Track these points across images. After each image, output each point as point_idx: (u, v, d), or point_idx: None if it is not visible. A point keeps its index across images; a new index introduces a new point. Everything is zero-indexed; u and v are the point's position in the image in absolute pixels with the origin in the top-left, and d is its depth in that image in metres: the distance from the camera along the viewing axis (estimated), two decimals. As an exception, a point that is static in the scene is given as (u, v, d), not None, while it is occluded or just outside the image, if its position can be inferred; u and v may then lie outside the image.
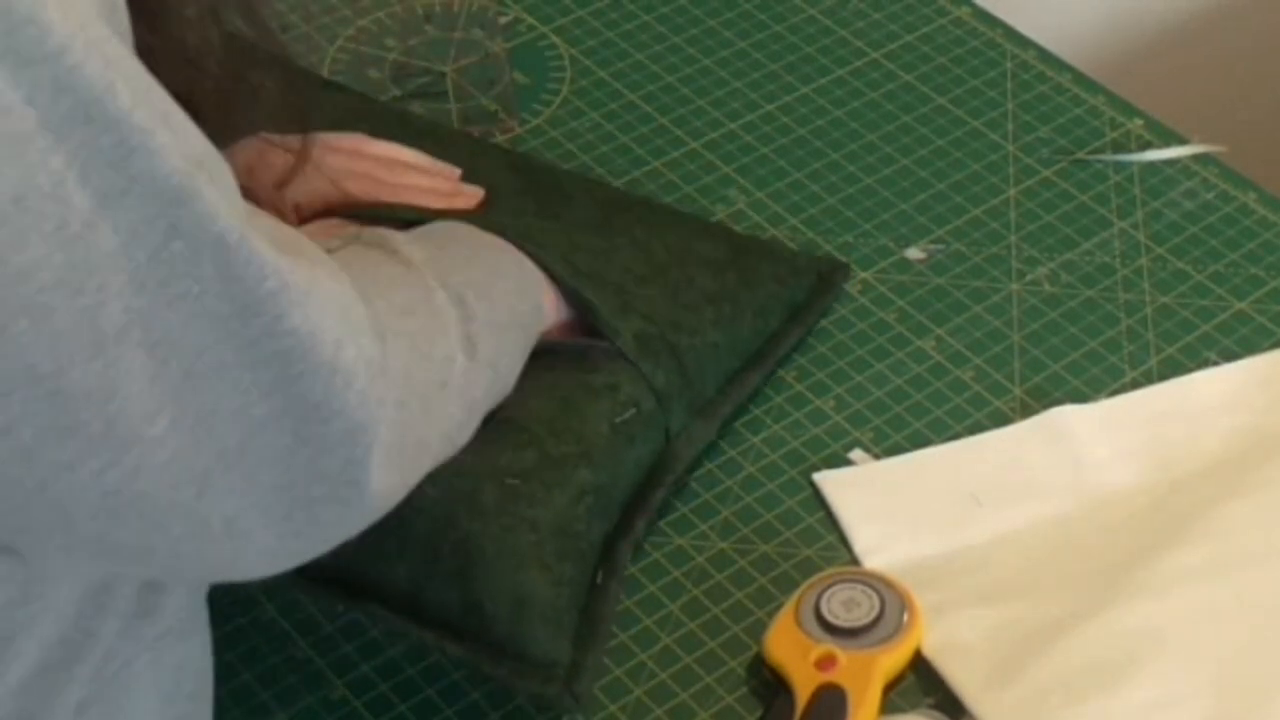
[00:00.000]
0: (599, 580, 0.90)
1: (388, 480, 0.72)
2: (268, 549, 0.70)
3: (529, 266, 0.92)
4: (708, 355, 0.98)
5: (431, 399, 0.78)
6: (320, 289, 0.67)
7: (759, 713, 0.87)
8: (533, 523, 0.87)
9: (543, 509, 0.88)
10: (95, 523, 0.64)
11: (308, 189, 0.97)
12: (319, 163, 0.97)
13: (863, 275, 1.08)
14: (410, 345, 0.77)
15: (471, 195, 1.01)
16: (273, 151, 0.93)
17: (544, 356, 0.92)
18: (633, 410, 0.93)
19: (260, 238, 0.64)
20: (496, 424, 0.88)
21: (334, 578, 0.86)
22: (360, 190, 0.98)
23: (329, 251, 0.77)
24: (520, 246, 0.92)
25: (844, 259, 1.08)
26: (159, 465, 0.64)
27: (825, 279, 1.06)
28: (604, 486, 0.91)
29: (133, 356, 0.61)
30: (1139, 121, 1.18)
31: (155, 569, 0.70)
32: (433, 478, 0.80)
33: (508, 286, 0.89)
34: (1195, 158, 1.15)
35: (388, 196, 0.99)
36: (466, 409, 0.83)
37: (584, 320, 0.95)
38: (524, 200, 1.02)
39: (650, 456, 0.95)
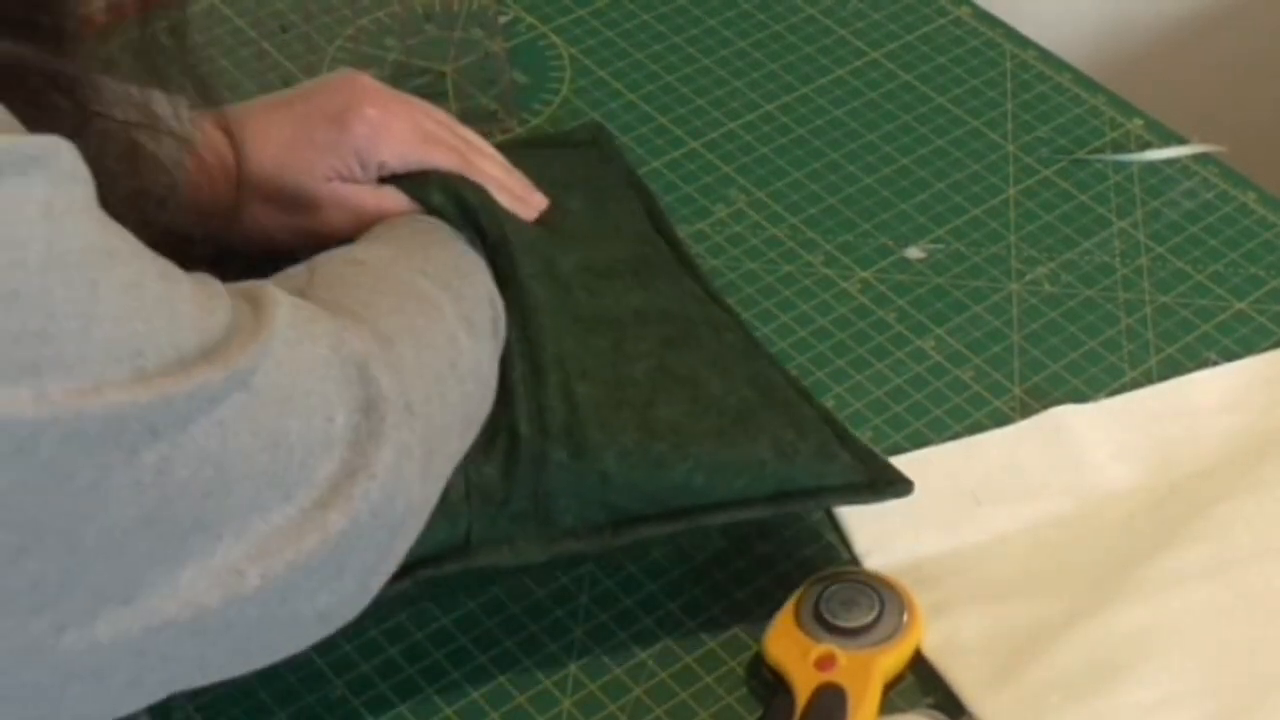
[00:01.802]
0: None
1: (425, 487, 0.75)
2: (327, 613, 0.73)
3: (484, 272, 0.90)
4: (591, 484, 0.87)
5: (447, 383, 0.79)
6: (278, 361, 0.67)
7: (759, 712, 0.87)
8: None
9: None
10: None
11: (395, 149, 0.94)
12: (416, 121, 0.96)
13: (862, 274, 1.08)
14: (414, 339, 0.77)
15: (540, 202, 0.98)
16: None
17: None
18: None
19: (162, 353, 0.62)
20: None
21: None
22: (446, 162, 0.95)
23: (299, 288, 0.77)
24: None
25: (905, 478, 0.91)
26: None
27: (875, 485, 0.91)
28: None
29: None
30: (1139, 121, 1.18)
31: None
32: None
33: (478, 277, 0.89)
34: (1195, 157, 1.15)
35: (462, 166, 0.96)
36: (481, 384, 0.84)
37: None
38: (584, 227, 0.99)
39: (431, 545, 0.84)
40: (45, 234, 0.58)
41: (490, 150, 1.00)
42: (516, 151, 1.03)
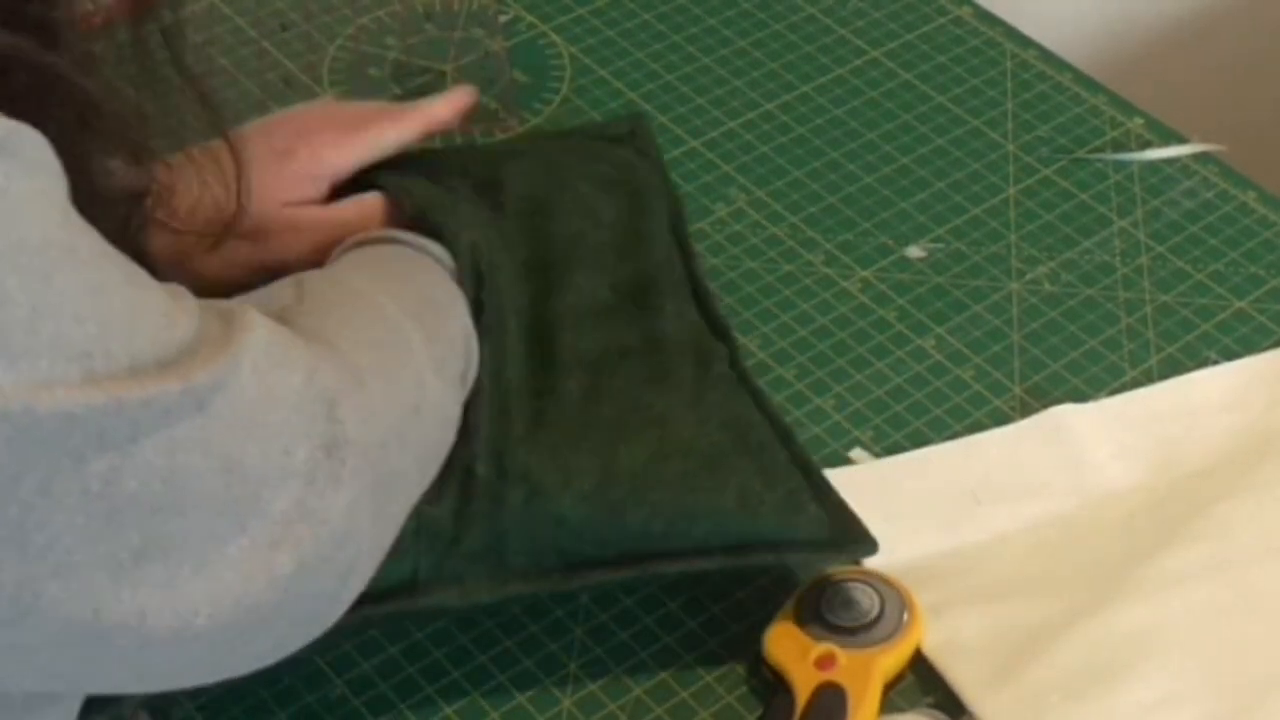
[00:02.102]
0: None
1: (377, 532, 0.74)
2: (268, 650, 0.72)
3: (462, 306, 0.90)
4: (541, 523, 0.87)
5: (409, 425, 0.78)
6: (252, 386, 0.66)
7: (759, 712, 0.87)
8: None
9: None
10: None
11: (339, 156, 0.95)
12: (342, 121, 0.97)
13: (862, 274, 1.08)
14: (385, 379, 0.76)
15: (464, 92, 1.01)
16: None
17: None
18: None
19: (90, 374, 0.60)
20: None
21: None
22: (392, 132, 0.97)
23: (282, 308, 0.76)
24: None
25: (871, 537, 0.89)
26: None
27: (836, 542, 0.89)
28: None
29: None
30: (1139, 120, 1.18)
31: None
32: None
33: (455, 310, 0.89)
34: (1195, 157, 1.15)
35: (395, 122, 0.98)
36: (442, 427, 0.83)
37: None
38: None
39: (372, 582, 0.81)
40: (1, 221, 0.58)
41: (421, 103, 1.02)
42: (558, 144, 1.03)
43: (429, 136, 1.02)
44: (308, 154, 0.95)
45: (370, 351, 0.77)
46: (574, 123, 1.17)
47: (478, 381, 0.88)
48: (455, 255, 0.91)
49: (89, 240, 0.62)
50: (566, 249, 0.97)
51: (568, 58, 1.23)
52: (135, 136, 0.73)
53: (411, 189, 0.95)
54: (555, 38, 1.24)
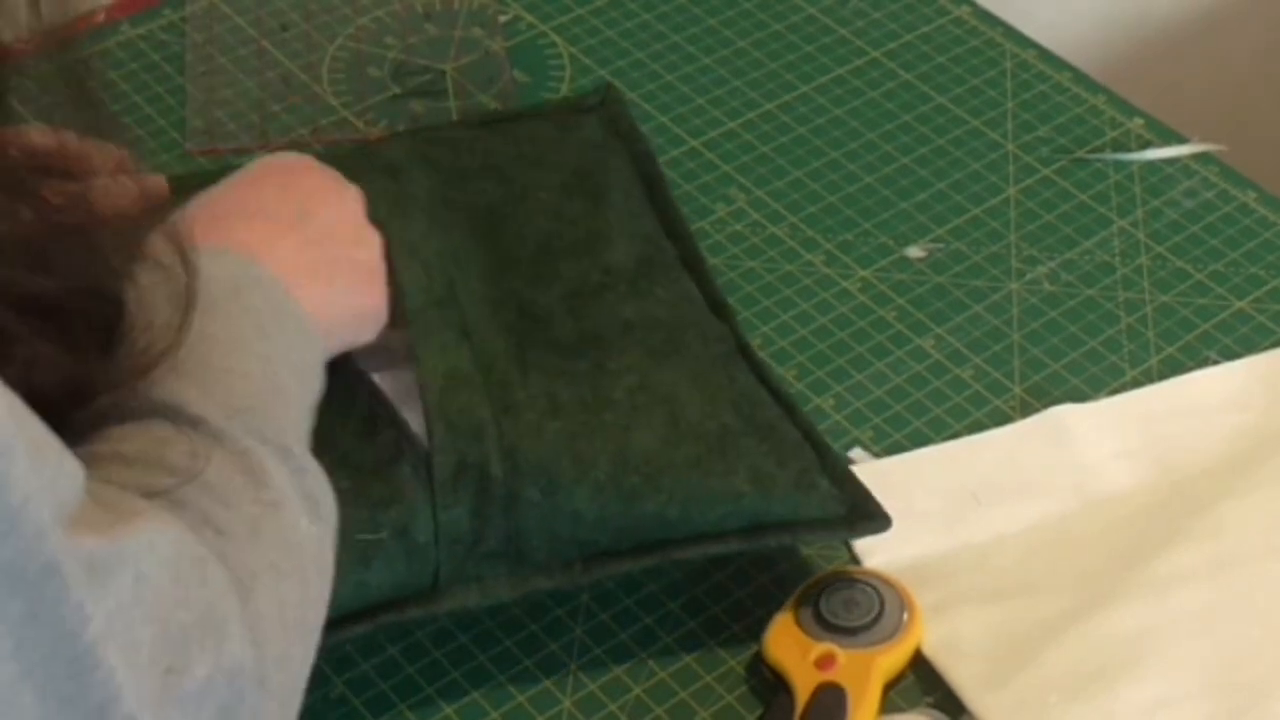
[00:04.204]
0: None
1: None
2: None
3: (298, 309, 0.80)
4: (561, 521, 0.86)
5: (305, 593, 0.71)
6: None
7: (759, 712, 0.87)
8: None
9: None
10: None
11: None
12: None
13: (862, 274, 1.08)
14: (273, 573, 0.69)
15: (155, 182, 0.91)
16: None
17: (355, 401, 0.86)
18: (384, 533, 0.83)
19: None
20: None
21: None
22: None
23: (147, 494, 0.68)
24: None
25: (884, 513, 0.89)
26: None
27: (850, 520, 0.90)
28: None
29: None
30: (1139, 120, 1.18)
31: None
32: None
33: (289, 342, 0.78)
34: (1195, 157, 1.15)
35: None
36: (322, 573, 0.74)
37: None
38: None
39: (394, 588, 0.84)
40: None
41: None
42: (512, 147, 1.02)
43: None
44: None
45: (261, 553, 0.69)
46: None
47: (474, 384, 0.87)
48: (421, 269, 0.89)
49: None
50: (542, 245, 0.96)
51: (567, 58, 1.23)
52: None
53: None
54: (555, 38, 1.24)
